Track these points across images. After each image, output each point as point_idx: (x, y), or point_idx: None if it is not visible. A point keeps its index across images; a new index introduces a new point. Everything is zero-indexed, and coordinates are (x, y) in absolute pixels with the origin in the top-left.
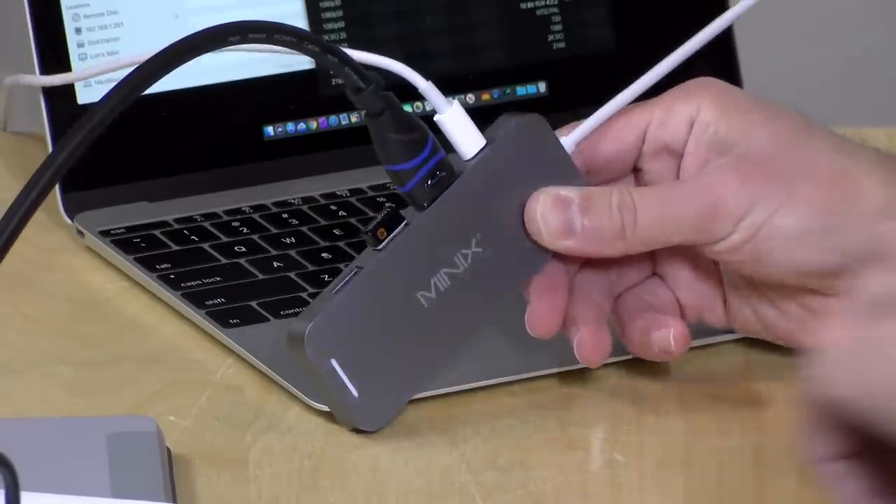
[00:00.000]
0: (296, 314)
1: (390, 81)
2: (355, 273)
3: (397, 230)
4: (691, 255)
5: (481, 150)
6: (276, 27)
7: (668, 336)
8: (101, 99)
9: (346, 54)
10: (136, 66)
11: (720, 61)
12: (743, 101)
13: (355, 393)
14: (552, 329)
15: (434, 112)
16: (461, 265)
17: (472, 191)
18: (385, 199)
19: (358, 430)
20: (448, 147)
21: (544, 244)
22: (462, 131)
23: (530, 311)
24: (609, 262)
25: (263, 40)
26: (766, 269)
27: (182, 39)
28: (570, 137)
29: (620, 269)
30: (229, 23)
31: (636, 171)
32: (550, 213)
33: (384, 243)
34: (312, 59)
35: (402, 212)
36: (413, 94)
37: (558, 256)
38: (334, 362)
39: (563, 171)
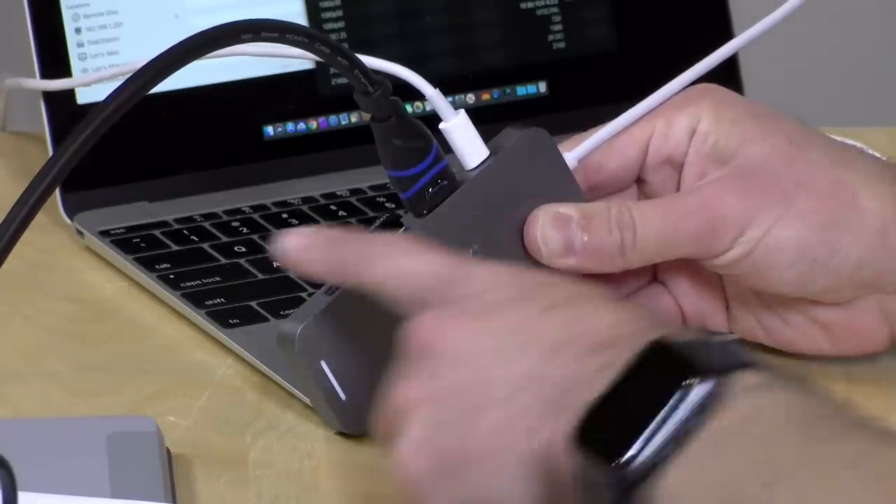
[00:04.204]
0: None
1: (392, 81)
2: None
3: None
4: (692, 263)
5: (484, 161)
6: (289, 27)
7: None
8: (108, 97)
9: (356, 57)
10: (141, 66)
11: (721, 61)
12: (741, 111)
13: (342, 396)
14: None
15: (435, 114)
16: None
17: (472, 201)
18: (385, 200)
19: (343, 434)
20: (447, 149)
21: (544, 263)
22: (466, 141)
23: None
24: (609, 273)
25: (276, 39)
26: (766, 281)
27: (194, 36)
28: (572, 153)
29: (621, 278)
30: (242, 20)
31: (639, 181)
32: (550, 231)
33: None
34: (320, 60)
35: (401, 217)
36: (415, 94)
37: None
38: (323, 364)
39: (564, 185)
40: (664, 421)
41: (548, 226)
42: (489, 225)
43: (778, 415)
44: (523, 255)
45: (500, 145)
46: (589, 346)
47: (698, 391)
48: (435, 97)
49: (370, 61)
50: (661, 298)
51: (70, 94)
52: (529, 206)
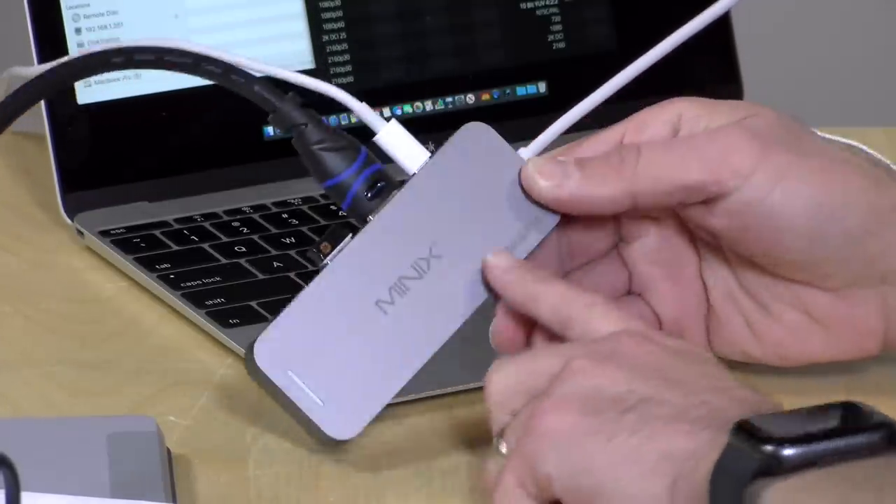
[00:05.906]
0: None
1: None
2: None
3: (342, 243)
4: (673, 266)
5: (426, 162)
6: (168, 49)
7: None
8: None
9: (250, 74)
10: (11, 93)
11: (720, 61)
12: (727, 104)
13: (319, 401)
14: (515, 345)
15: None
16: (421, 273)
17: (418, 199)
18: None
19: (335, 443)
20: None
21: (542, 197)
22: (402, 147)
23: (494, 324)
24: (581, 276)
25: (152, 63)
26: (777, 235)
27: (66, 62)
28: (527, 149)
29: (595, 285)
30: (114, 46)
31: None
32: (545, 164)
33: (328, 257)
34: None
35: (350, 223)
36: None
37: (526, 265)
38: (291, 373)
39: (516, 174)
40: (829, 437)
41: (541, 160)
42: (445, 220)
43: None
44: (485, 251)
45: (441, 144)
46: (769, 407)
47: (874, 435)
48: (362, 110)
49: (286, 76)
50: (637, 307)
51: (70, 93)
52: (484, 199)
